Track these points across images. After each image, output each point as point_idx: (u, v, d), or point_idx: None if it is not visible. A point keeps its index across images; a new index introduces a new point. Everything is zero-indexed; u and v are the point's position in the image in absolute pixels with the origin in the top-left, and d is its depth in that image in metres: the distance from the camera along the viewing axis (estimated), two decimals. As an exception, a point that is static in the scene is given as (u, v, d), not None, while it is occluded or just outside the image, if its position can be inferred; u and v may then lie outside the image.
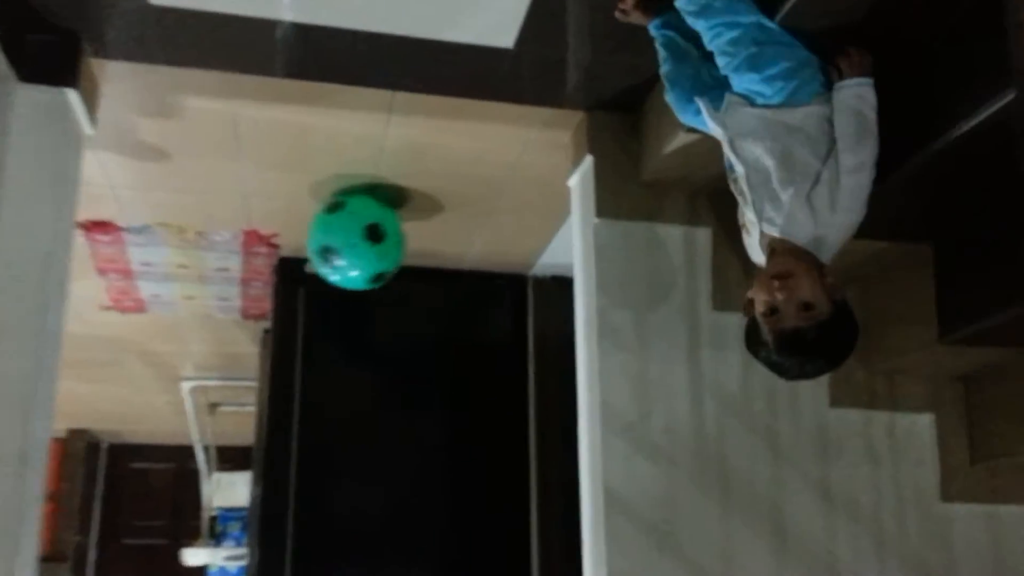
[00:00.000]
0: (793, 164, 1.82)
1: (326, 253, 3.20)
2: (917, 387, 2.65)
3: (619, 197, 2.63)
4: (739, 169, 1.87)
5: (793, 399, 2.60)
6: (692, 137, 2.35)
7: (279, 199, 3.37)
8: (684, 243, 2.66)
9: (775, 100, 1.84)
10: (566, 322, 4.18)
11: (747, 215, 1.89)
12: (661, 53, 2.15)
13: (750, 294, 1.83)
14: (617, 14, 2.17)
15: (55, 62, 2.39)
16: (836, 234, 1.82)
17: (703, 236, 2.66)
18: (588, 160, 2.68)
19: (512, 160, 3.03)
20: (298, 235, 3.65)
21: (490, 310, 4.09)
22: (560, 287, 3.97)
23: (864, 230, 1.85)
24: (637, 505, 2.46)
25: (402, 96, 2.66)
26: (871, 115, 1.81)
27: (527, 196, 3.30)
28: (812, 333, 1.73)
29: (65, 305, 2.42)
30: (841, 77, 1.84)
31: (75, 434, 7.15)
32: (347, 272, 3.24)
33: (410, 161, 3.06)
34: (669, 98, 2.13)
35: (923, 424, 2.64)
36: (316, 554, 3.68)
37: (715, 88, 1.99)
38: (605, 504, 2.44)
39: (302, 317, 3.90)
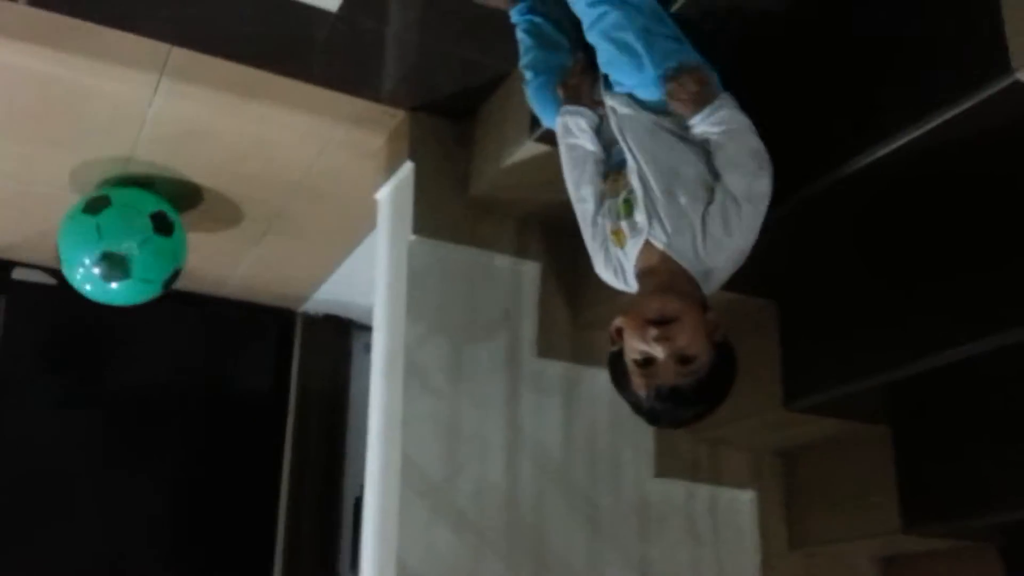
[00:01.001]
0: (682, 179, 1.53)
1: (110, 262, 2.49)
2: (740, 461, 2.43)
3: (441, 214, 2.24)
4: (631, 161, 1.54)
5: (616, 467, 2.29)
6: (536, 150, 2.03)
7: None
8: (510, 276, 2.30)
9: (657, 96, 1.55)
10: (336, 371, 3.73)
11: (629, 220, 1.55)
12: (524, 41, 1.82)
13: (619, 323, 1.51)
14: None
15: None
16: (726, 263, 1.54)
17: (531, 271, 2.32)
18: (407, 168, 2.27)
19: (306, 162, 2.54)
20: (8, 228, 2.91)
21: (248, 348, 3.45)
22: (335, 329, 3.49)
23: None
24: (433, 586, 2.00)
25: (181, 55, 2.11)
26: (749, 137, 1.53)
27: (316, 211, 2.79)
28: (690, 389, 1.45)
29: None
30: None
31: None
32: (138, 283, 2.55)
33: (174, 145, 2.48)
34: (529, 91, 1.79)
35: (744, 501, 2.42)
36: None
37: None
38: (396, 584, 1.96)
39: (1, 338, 3.09)
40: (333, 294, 3.30)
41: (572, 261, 2.33)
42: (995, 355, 1.75)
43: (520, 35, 1.83)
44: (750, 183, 1.50)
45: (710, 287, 1.54)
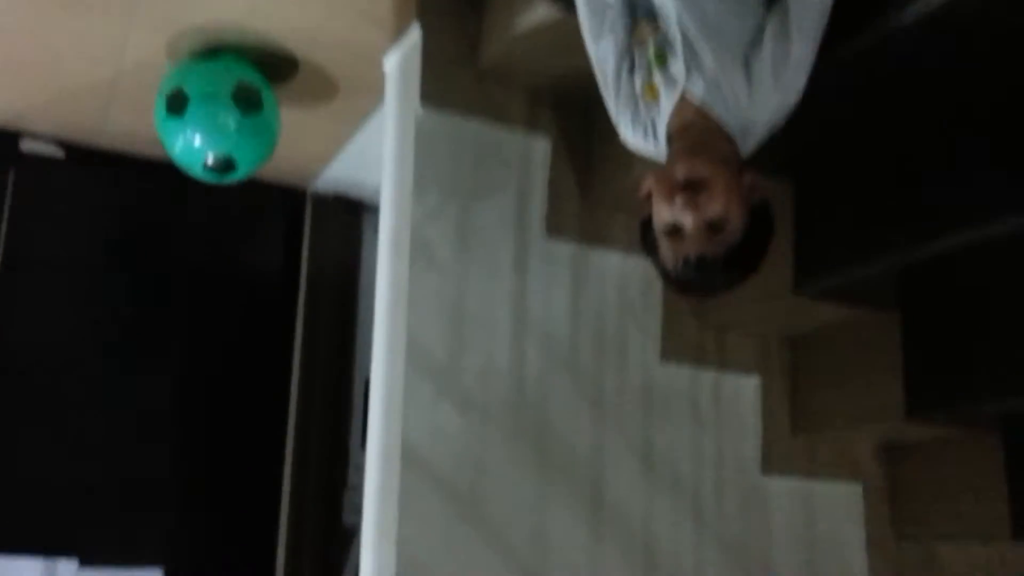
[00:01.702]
0: (727, 22, 1.41)
1: (216, 167, 2.43)
2: (746, 347, 2.41)
3: (450, 84, 2.14)
4: (668, 3, 1.43)
5: (622, 350, 2.26)
6: (548, 15, 1.92)
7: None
8: (521, 152, 2.22)
9: None
10: (347, 253, 3.64)
11: (663, 71, 1.46)
12: None
13: (648, 186, 1.42)
14: None
15: None
16: (768, 118, 1.44)
17: (542, 147, 2.23)
18: (414, 34, 2.16)
19: (313, 29, 2.42)
20: (14, 96, 2.79)
21: (257, 229, 3.32)
22: (346, 210, 3.38)
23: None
24: (438, 463, 2.00)
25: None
26: None
27: (323, 81, 2.68)
28: (721, 257, 1.38)
29: None
30: None
31: None
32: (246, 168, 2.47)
33: (177, 10, 2.36)
34: None
35: (749, 387, 2.40)
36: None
37: None
38: (402, 460, 1.96)
39: (8, 212, 2.98)
40: (344, 172, 3.21)
41: (585, 137, 2.25)
42: (1011, 240, 1.71)
43: None
44: (809, 36, 1.39)
45: (747, 146, 1.46)
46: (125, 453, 2.93)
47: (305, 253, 3.26)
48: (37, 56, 2.57)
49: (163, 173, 2.73)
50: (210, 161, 2.44)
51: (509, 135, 2.20)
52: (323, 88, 2.68)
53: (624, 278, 2.31)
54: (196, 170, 2.50)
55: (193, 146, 2.41)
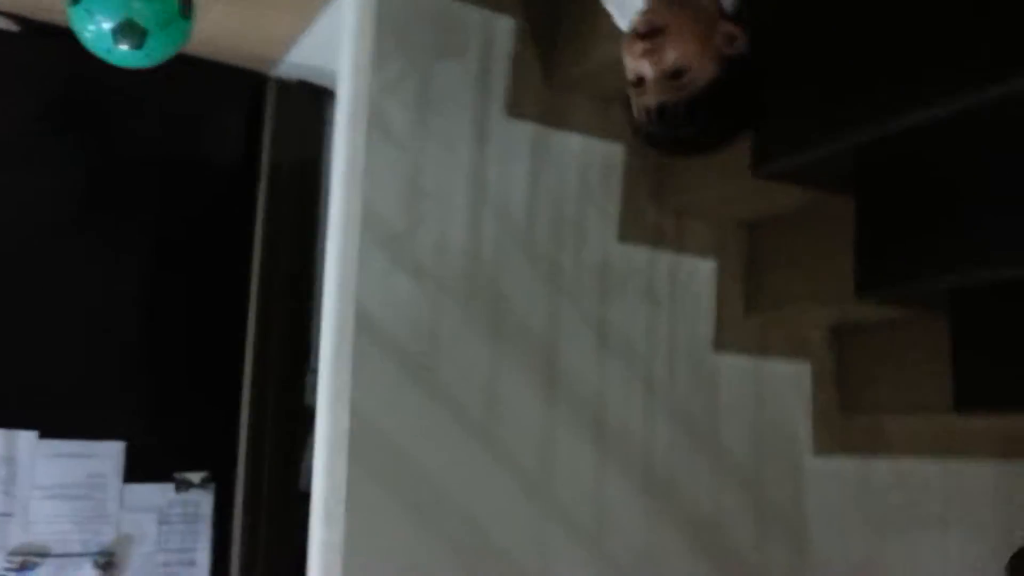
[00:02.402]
0: None
1: (121, 34, 2.27)
2: (704, 230, 2.45)
3: (412, -42, 2.13)
4: None
5: (580, 230, 2.30)
6: None
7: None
8: (484, 30, 2.22)
9: None
10: (311, 141, 3.62)
11: None
12: None
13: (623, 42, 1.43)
14: None
15: None
16: None
17: (505, 26, 2.24)
18: (376, -94, 2.14)
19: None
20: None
21: (216, 114, 3.28)
22: (310, 97, 3.36)
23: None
24: (392, 331, 2.06)
25: None
26: None
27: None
28: (681, 108, 1.36)
29: None
30: None
31: None
32: (143, 57, 2.29)
33: None
34: None
35: (705, 270, 2.46)
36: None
37: None
38: (355, 326, 2.02)
39: None
40: (308, 57, 3.17)
41: (550, 18, 2.25)
42: (962, 117, 1.73)
43: None
44: None
45: None
46: (87, 330, 2.94)
47: (267, 139, 3.20)
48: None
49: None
50: (114, 30, 2.32)
51: (473, 12, 2.21)
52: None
53: (585, 161, 2.33)
54: (111, 51, 2.40)
55: (99, 26, 2.31)
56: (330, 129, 3.31)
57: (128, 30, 2.35)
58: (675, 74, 1.34)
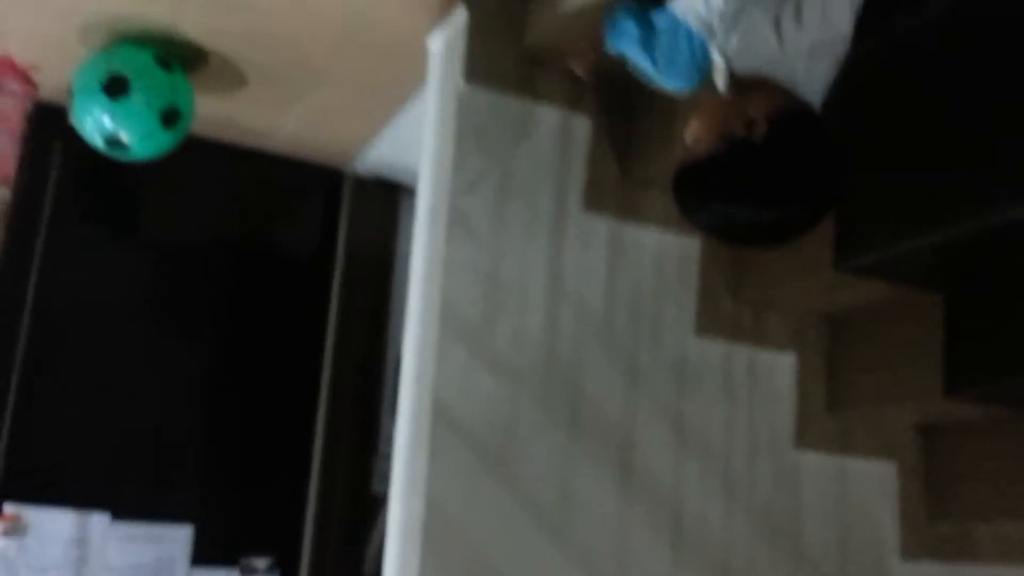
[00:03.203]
0: None
1: (111, 141, 2.51)
2: (783, 324, 2.43)
3: (493, 62, 2.21)
4: None
5: (657, 323, 2.30)
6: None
7: (48, 14, 2.64)
8: (560, 129, 2.27)
9: None
10: (385, 235, 3.72)
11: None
12: None
13: None
14: None
15: None
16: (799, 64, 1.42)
17: (582, 126, 2.29)
18: (460, 13, 2.23)
19: (356, 10, 2.50)
20: (65, 72, 2.93)
21: (294, 207, 3.37)
22: (384, 192, 3.46)
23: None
24: (469, 422, 2.07)
25: None
26: None
27: (366, 63, 2.76)
28: (680, 174, 1.44)
29: None
30: None
31: None
32: (136, 107, 2.52)
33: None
34: None
35: (784, 364, 2.42)
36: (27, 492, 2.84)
37: None
38: (432, 418, 2.04)
39: (54, 184, 3.05)
40: (384, 154, 3.28)
41: (625, 116, 2.30)
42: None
43: None
44: None
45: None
46: (161, 415, 3.01)
47: (342, 233, 3.32)
48: (89, 34, 2.67)
49: (205, 148, 2.81)
50: (101, 141, 2.55)
51: (550, 112, 2.26)
52: (364, 69, 2.76)
53: (661, 254, 2.35)
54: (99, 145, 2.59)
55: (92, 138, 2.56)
56: (403, 222, 3.40)
57: (114, 143, 2.55)
58: (691, 144, 1.41)
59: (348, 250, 3.34)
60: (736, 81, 1.47)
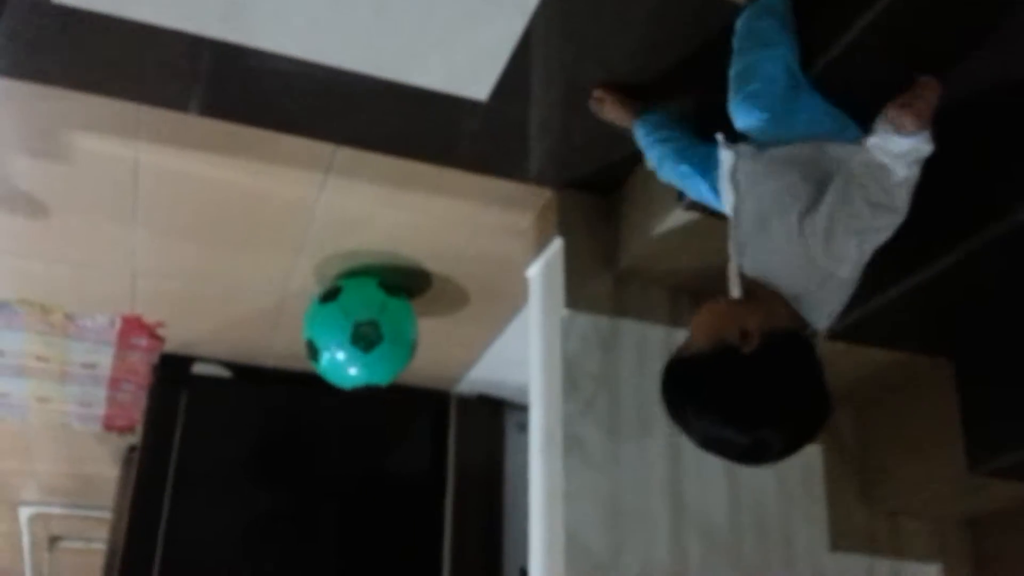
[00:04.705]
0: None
1: (360, 336, 2.62)
2: (923, 532, 2.30)
3: (592, 287, 2.26)
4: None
5: (787, 540, 2.20)
6: (685, 218, 2.03)
7: (174, 279, 2.85)
8: (665, 346, 2.27)
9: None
10: (491, 450, 3.76)
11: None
12: (655, 150, 1.85)
13: None
14: (591, 104, 1.97)
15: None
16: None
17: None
18: (556, 244, 2.31)
19: (460, 247, 2.63)
20: (191, 326, 3.12)
21: (405, 431, 3.52)
22: (488, 409, 3.52)
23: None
24: (603, 666, 1.96)
25: (345, 154, 2.26)
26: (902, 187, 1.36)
27: (466, 293, 2.88)
28: (672, 371, 1.43)
29: None
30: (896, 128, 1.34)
31: None
32: (392, 345, 2.66)
33: (337, 240, 2.62)
34: (669, 174, 1.82)
35: (930, 575, 2.26)
36: None
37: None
38: (567, 662, 1.93)
39: (180, 430, 3.25)
40: (485, 374, 3.36)
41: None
42: None
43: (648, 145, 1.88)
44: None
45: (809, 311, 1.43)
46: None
47: (452, 452, 3.42)
48: (212, 292, 2.87)
49: (319, 383, 2.92)
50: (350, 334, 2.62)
51: (654, 332, 2.28)
52: (464, 298, 2.88)
53: (782, 464, 2.26)
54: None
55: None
56: (509, 435, 3.44)
57: (361, 330, 2.60)
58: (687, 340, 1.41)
59: (458, 466, 3.45)
60: (747, 288, 1.46)
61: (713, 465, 2.19)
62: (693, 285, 2.28)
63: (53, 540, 5.31)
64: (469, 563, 3.31)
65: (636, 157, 2.21)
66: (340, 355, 2.63)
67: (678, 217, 2.02)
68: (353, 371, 2.66)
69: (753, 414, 1.34)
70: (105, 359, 3.31)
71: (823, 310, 1.44)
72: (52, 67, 1.99)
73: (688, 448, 2.17)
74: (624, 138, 2.17)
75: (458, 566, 3.30)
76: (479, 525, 3.36)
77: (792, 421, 1.36)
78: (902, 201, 1.36)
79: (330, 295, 2.66)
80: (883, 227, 1.37)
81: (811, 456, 2.29)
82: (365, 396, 3.16)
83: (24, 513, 4.94)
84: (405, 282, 2.76)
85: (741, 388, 1.34)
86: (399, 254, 2.66)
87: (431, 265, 2.73)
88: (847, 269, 1.41)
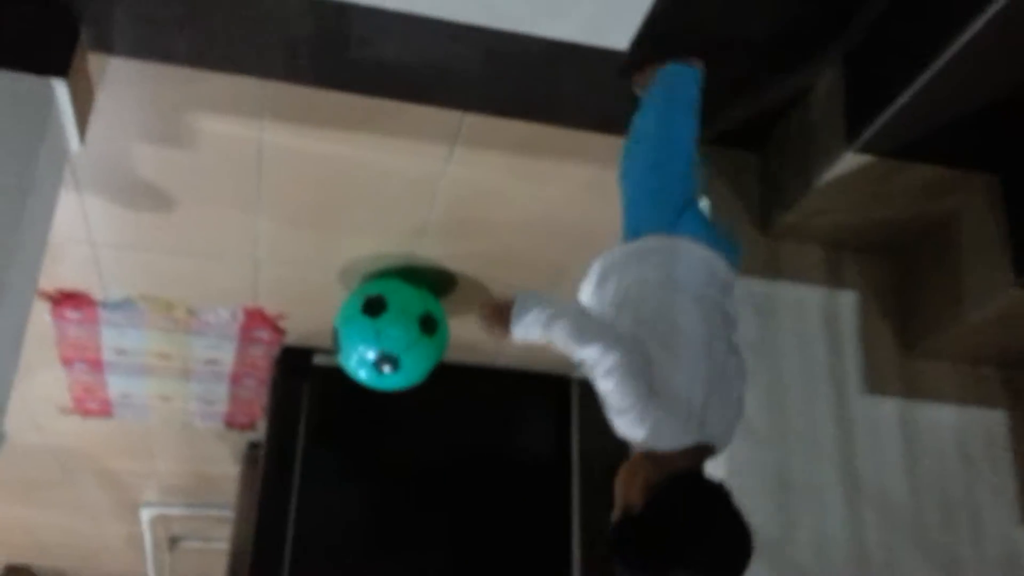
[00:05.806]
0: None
1: (382, 362, 2.65)
2: None
3: (748, 251, 2.10)
4: None
5: (974, 513, 2.02)
6: (857, 162, 1.86)
7: (297, 266, 2.78)
8: (824, 309, 2.12)
9: None
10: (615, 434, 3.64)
11: None
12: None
13: None
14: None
15: (40, 41, 1.86)
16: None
17: (848, 301, 2.13)
18: (702, 204, 2.16)
19: (583, 213, 2.49)
20: (311, 317, 3.06)
21: (526, 416, 3.42)
22: (613, 390, 3.41)
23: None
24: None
25: (472, 121, 2.15)
26: None
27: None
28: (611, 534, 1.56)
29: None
30: None
31: (13, 572, 6.20)
32: (405, 374, 2.70)
33: (462, 219, 2.52)
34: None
35: None
36: None
37: None
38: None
39: (304, 423, 3.20)
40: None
41: (896, 286, 2.13)
42: None
43: None
44: None
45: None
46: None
47: (575, 435, 3.34)
48: (331, 279, 2.81)
49: (439, 370, 2.84)
50: (370, 370, 2.67)
51: (811, 292, 2.12)
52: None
53: (963, 433, 2.09)
54: (380, 378, 2.72)
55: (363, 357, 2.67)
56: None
57: (383, 361, 2.64)
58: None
59: (582, 450, 3.36)
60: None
61: (886, 434, 2.04)
62: (856, 239, 2.11)
63: (173, 541, 5.37)
64: (599, 544, 3.19)
65: (784, 107, 2.06)
66: (354, 363, 2.69)
67: (848, 161, 1.85)
68: (362, 374, 2.71)
69: (660, 562, 1.45)
70: (227, 354, 3.28)
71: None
72: (174, 43, 1.93)
73: (858, 421, 2.03)
74: (770, 89, 2.02)
75: (588, 549, 3.18)
76: (606, 504, 3.24)
77: (699, 555, 1.46)
78: None
79: (373, 308, 2.63)
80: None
81: (993, 422, 2.10)
82: (486, 381, 3.10)
83: (145, 515, 4.99)
84: (528, 260, 2.65)
85: (641, 545, 1.49)
86: (520, 231, 2.56)
87: (559, 236, 2.60)
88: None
